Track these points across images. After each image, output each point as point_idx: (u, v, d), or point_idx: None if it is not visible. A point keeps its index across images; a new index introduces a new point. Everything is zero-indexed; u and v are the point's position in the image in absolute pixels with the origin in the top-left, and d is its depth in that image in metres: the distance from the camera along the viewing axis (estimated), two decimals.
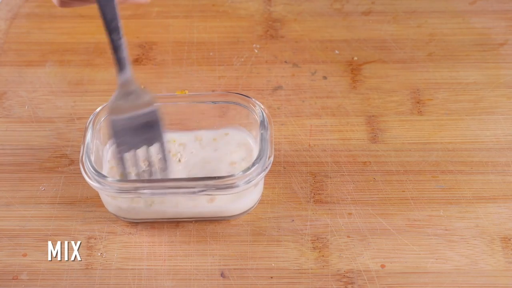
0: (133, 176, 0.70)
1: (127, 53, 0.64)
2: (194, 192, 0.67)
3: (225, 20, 0.92)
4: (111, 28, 0.61)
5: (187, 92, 0.82)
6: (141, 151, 0.69)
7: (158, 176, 0.71)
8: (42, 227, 0.72)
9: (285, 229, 0.71)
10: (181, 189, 0.66)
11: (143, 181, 0.68)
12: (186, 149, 0.75)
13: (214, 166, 0.73)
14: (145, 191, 0.66)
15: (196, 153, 0.74)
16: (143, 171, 0.70)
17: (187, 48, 0.88)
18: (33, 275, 0.69)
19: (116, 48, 0.63)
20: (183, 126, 0.76)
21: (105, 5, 0.60)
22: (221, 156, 0.74)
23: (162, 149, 0.69)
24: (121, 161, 0.69)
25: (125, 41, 0.63)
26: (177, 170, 0.72)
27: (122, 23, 0.62)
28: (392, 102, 0.82)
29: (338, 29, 0.90)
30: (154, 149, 0.69)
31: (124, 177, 0.70)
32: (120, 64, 0.64)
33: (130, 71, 0.65)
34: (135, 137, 0.68)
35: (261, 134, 0.69)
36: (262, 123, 0.70)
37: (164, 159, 0.69)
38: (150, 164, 0.70)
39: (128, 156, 0.69)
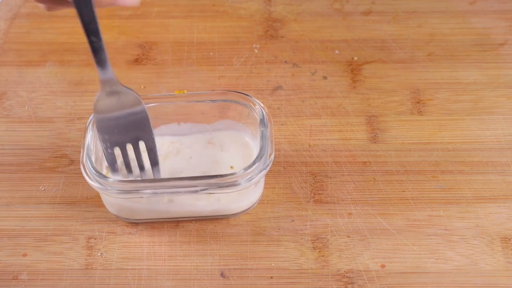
0: (122, 173, 0.70)
1: (106, 55, 0.63)
2: (196, 191, 0.67)
3: (225, 20, 0.92)
4: (89, 30, 0.61)
5: (185, 91, 0.82)
6: (130, 149, 0.69)
7: (148, 172, 0.71)
8: (42, 227, 0.72)
9: (285, 229, 0.71)
10: (183, 188, 0.67)
11: (144, 181, 0.68)
12: (190, 149, 0.75)
13: (213, 166, 0.73)
14: (146, 191, 0.67)
15: (197, 152, 0.75)
16: (132, 167, 0.70)
17: (187, 48, 0.88)
18: (33, 275, 0.69)
19: (95, 50, 0.62)
20: (183, 126, 0.76)
21: (82, 8, 0.60)
22: (221, 156, 0.74)
23: (151, 146, 0.69)
24: (109, 157, 0.69)
25: (104, 43, 0.62)
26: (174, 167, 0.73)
27: (100, 25, 0.61)
28: (392, 102, 0.82)
29: (338, 29, 0.90)
30: (142, 146, 0.69)
31: (113, 174, 0.69)
32: (100, 64, 0.64)
33: (111, 70, 0.64)
34: (122, 135, 0.68)
35: (261, 131, 0.69)
36: (262, 121, 0.70)
37: (154, 155, 0.69)
38: (139, 160, 0.70)
39: (116, 152, 0.69)
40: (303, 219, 0.72)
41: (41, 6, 0.65)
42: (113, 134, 0.68)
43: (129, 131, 0.68)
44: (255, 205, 0.73)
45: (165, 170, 0.73)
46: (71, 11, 0.92)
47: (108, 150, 0.68)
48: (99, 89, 0.65)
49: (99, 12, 0.67)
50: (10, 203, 0.74)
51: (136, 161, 0.70)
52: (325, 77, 0.85)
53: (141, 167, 0.70)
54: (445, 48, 0.87)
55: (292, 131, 0.79)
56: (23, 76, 0.86)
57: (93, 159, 0.69)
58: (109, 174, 0.72)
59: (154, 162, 0.70)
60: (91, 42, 0.62)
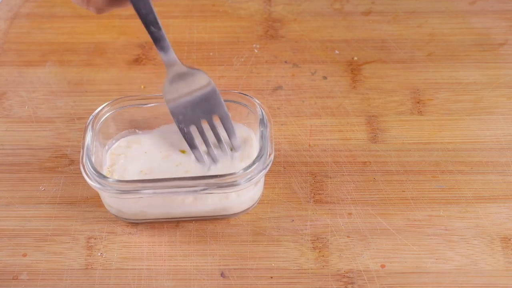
0: (202, 152, 0.72)
1: (167, 41, 0.67)
2: (195, 191, 0.67)
3: (225, 20, 0.92)
4: (148, 21, 0.64)
5: None
6: (204, 124, 0.71)
7: (227, 150, 0.73)
8: (42, 227, 0.72)
9: (285, 229, 0.71)
10: (183, 188, 0.67)
11: (143, 181, 0.68)
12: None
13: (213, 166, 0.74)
14: (146, 191, 0.67)
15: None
16: (209, 142, 0.72)
17: (187, 48, 0.88)
18: (33, 275, 0.69)
19: (156, 39, 0.66)
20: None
21: (138, 2, 0.63)
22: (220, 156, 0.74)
23: (225, 119, 0.71)
24: (188, 138, 0.71)
25: (163, 31, 0.66)
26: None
27: (158, 17, 0.65)
28: (392, 102, 0.82)
29: (338, 29, 0.90)
30: (217, 123, 0.72)
31: (194, 152, 0.72)
32: (164, 51, 0.67)
33: (174, 55, 0.68)
34: (196, 114, 0.70)
35: (261, 131, 0.69)
36: (262, 120, 0.70)
37: (230, 126, 0.71)
38: (217, 138, 0.72)
39: (193, 132, 0.71)
40: (303, 219, 0.72)
41: (91, 9, 0.66)
42: (186, 114, 0.70)
43: (201, 109, 0.70)
44: (255, 205, 0.73)
45: (167, 170, 0.73)
46: (72, 11, 0.93)
47: (185, 129, 0.71)
48: (166, 74, 0.68)
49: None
50: (10, 203, 0.74)
51: (213, 137, 0.72)
52: (325, 77, 0.85)
53: (219, 140, 0.72)
54: (445, 48, 0.87)
55: (292, 131, 0.79)
56: (23, 76, 0.86)
57: (92, 159, 0.69)
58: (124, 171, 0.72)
59: (231, 133, 0.72)
60: (151, 33, 0.65)
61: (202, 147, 0.72)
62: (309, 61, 0.86)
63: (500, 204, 0.73)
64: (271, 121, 0.71)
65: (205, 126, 0.72)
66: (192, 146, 0.72)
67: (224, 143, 0.73)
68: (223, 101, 0.71)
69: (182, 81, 0.69)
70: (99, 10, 0.66)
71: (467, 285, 0.67)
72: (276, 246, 0.70)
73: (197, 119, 0.71)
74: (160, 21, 0.65)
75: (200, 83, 0.70)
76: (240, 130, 0.75)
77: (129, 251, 0.70)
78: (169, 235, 0.71)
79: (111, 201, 0.70)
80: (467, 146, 0.77)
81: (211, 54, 0.88)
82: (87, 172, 0.67)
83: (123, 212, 0.71)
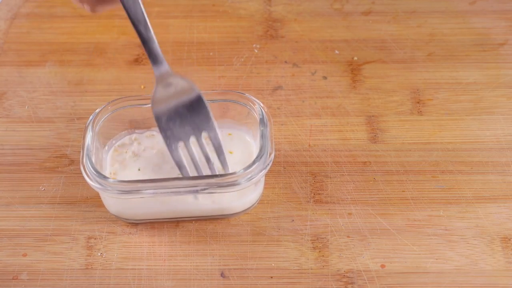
0: (189, 169, 0.70)
1: (157, 46, 0.65)
2: (196, 191, 0.67)
3: (225, 20, 0.92)
4: (137, 20, 0.63)
5: None
6: (192, 141, 0.70)
7: (216, 165, 0.71)
8: (42, 227, 0.72)
9: (285, 229, 0.71)
10: (183, 188, 0.67)
11: (144, 181, 0.68)
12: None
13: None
14: (146, 191, 0.67)
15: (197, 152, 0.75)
16: (197, 161, 0.70)
17: (187, 48, 0.88)
18: (33, 275, 0.69)
19: (145, 40, 0.64)
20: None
21: (128, 2, 0.62)
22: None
23: (214, 136, 0.69)
24: (174, 154, 0.69)
25: (153, 34, 0.64)
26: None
27: (148, 18, 0.63)
28: (392, 102, 0.82)
29: (338, 29, 0.90)
30: (205, 137, 0.70)
31: (182, 171, 0.70)
32: (152, 56, 0.65)
33: (164, 62, 0.66)
34: (184, 127, 0.69)
35: (261, 131, 0.69)
36: (262, 120, 0.70)
37: (219, 145, 0.70)
38: (204, 153, 0.70)
39: (180, 148, 0.69)
40: (303, 219, 0.72)
41: (85, 7, 0.65)
42: (174, 128, 0.68)
43: (189, 121, 0.68)
44: (255, 205, 0.73)
45: (168, 170, 0.73)
46: (72, 11, 0.93)
47: (172, 146, 0.69)
48: (156, 83, 0.66)
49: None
50: (10, 203, 0.74)
51: (200, 154, 0.70)
52: (325, 77, 0.85)
53: (207, 159, 0.70)
54: (445, 48, 0.87)
55: (292, 131, 0.79)
56: (23, 76, 0.86)
57: (93, 159, 0.69)
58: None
59: (219, 152, 0.70)
60: (139, 33, 0.63)
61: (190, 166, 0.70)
62: (309, 61, 0.86)
63: (500, 204, 0.73)
64: (271, 121, 0.71)
65: (193, 142, 0.70)
66: (181, 166, 0.70)
67: (212, 164, 0.71)
68: (210, 112, 0.69)
69: (170, 90, 0.67)
70: (92, 9, 0.65)
71: (467, 285, 0.67)
72: (276, 246, 0.70)
73: (185, 135, 0.69)
74: (150, 23, 0.63)
75: (187, 92, 0.67)
76: (236, 137, 0.75)
77: (129, 251, 0.70)
78: (169, 235, 0.71)
79: (111, 201, 0.70)
80: (467, 146, 0.77)
81: (211, 54, 0.88)
82: (88, 172, 0.67)
83: (123, 212, 0.71)
